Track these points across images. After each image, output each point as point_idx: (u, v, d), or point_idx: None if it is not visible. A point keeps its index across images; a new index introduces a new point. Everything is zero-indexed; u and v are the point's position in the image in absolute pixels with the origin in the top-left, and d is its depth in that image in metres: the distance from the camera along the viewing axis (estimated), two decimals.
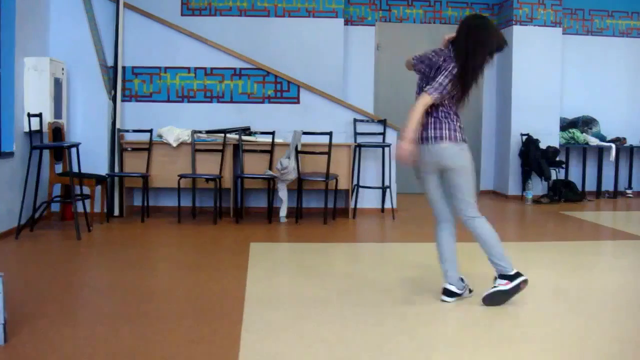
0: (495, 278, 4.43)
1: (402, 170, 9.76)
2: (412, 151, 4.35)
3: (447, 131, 4.38)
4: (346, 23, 10.67)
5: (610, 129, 11.49)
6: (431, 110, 4.43)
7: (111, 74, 8.38)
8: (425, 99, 4.34)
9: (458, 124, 4.43)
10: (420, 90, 4.50)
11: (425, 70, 4.53)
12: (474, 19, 4.56)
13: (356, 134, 8.85)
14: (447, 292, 4.53)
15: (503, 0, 11.07)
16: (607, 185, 11.49)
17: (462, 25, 4.48)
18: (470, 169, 4.43)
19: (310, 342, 3.74)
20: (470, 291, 4.64)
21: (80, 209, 7.08)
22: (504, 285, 4.38)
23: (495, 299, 4.41)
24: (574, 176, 11.32)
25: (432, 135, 4.40)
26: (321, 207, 8.31)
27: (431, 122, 4.44)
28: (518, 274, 4.40)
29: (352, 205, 8.64)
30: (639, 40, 11.73)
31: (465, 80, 4.36)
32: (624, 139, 11.45)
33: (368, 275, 5.49)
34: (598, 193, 11.35)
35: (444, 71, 4.34)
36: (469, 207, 4.41)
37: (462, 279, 4.59)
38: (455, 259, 4.55)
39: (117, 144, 8.24)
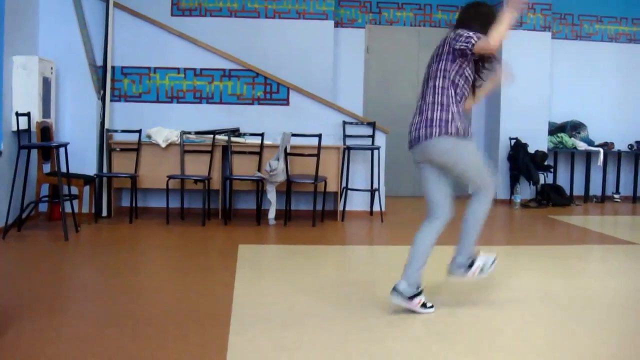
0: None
1: (391, 173, 9.78)
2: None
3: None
4: (336, 25, 10.69)
5: (598, 133, 11.56)
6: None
7: (100, 73, 8.35)
8: (485, 40, 4.07)
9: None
10: (428, 78, 4.34)
11: (436, 50, 4.38)
12: (479, 6, 4.46)
13: (345, 136, 8.85)
14: (395, 290, 4.30)
15: (493, 3, 11.08)
16: (595, 189, 11.54)
17: (467, 8, 4.43)
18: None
19: (299, 345, 3.73)
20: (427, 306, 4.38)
21: (68, 209, 7.05)
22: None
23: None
24: (562, 180, 11.37)
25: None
26: (310, 209, 8.30)
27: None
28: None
29: (340, 208, 8.64)
30: (627, 45, 11.80)
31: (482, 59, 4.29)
32: (612, 143, 11.51)
33: (357, 279, 5.48)
34: (586, 197, 11.40)
35: (461, 31, 4.20)
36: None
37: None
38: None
39: (106, 144, 8.22)
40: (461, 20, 4.40)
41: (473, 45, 4.10)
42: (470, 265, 4.43)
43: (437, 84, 4.27)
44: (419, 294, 4.31)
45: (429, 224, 4.37)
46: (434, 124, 4.19)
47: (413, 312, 4.30)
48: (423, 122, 4.25)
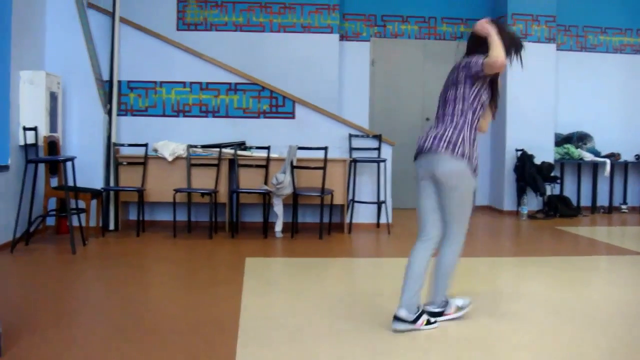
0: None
1: (397, 186, 9.78)
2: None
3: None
4: (341, 38, 10.72)
5: (605, 144, 11.54)
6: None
7: (107, 88, 8.38)
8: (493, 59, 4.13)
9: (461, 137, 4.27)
10: (446, 101, 4.37)
11: (451, 76, 4.41)
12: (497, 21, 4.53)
13: (351, 149, 8.86)
14: (397, 319, 4.26)
15: (497, 16, 11.12)
16: (602, 200, 11.51)
17: (471, 36, 4.45)
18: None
19: (306, 357, 3.72)
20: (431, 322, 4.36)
21: (75, 223, 7.07)
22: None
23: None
24: (569, 191, 11.35)
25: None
26: (317, 221, 8.30)
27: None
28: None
29: (347, 220, 8.64)
30: (632, 56, 11.80)
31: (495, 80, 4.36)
32: (619, 154, 11.49)
33: (364, 291, 5.48)
34: (593, 208, 11.38)
35: (473, 57, 4.27)
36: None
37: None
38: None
39: (113, 158, 8.24)
40: (468, 50, 4.46)
41: (482, 64, 4.15)
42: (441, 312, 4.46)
43: (455, 108, 4.30)
44: (421, 314, 4.29)
45: (421, 246, 4.35)
46: (451, 142, 4.20)
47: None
48: (439, 136, 4.26)
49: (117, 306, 4.89)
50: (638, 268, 6.72)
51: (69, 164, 7.10)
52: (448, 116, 4.30)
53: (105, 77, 8.42)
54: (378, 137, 8.93)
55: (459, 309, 4.50)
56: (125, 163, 8.29)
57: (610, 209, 11.44)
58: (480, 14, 11.22)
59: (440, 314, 4.42)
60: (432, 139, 4.27)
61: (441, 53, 11.09)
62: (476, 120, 4.29)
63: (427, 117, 11.25)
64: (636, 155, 11.62)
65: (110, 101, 8.35)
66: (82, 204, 7.48)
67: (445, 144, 4.19)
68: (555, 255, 7.45)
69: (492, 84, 4.37)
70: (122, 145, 8.36)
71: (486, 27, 4.22)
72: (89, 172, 7.95)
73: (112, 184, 8.22)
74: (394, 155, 9.13)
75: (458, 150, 4.17)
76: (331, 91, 10.24)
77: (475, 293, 4.76)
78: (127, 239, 7.77)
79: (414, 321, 4.24)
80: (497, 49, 4.08)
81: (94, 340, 3.99)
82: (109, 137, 8.27)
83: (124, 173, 8.29)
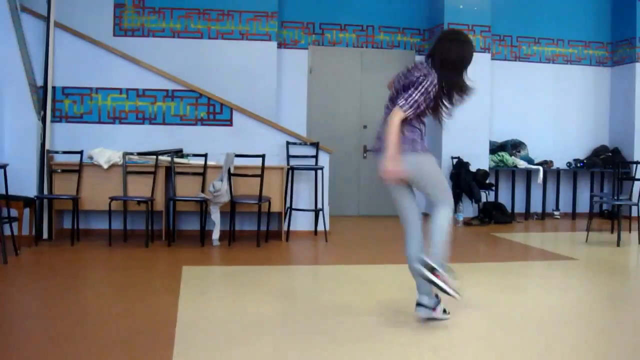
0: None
1: (335, 193, 9.83)
2: (399, 169, 4.35)
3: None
4: (279, 46, 10.74)
5: (538, 152, 11.80)
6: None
7: (41, 94, 8.23)
8: (399, 115, 4.36)
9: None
10: (393, 105, 4.50)
11: (397, 85, 4.58)
12: (453, 34, 4.68)
13: (289, 156, 8.87)
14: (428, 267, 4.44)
15: (434, 26, 11.28)
16: (536, 207, 11.75)
17: (441, 41, 4.58)
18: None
19: None
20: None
21: (7, 232, 6.91)
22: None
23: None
24: (504, 198, 11.55)
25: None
26: (254, 229, 8.28)
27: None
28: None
29: (285, 228, 8.64)
30: (564, 66, 12.11)
31: (449, 94, 4.55)
32: (551, 162, 11.75)
33: (302, 299, 5.50)
34: (527, 214, 11.60)
35: (419, 87, 4.40)
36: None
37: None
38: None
39: (47, 166, 8.09)
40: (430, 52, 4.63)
41: (397, 107, 4.38)
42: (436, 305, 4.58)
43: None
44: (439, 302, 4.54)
45: (411, 241, 4.60)
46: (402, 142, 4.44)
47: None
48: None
49: (51, 316, 4.81)
50: (570, 272, 6.87)
51: (0, 171, 6.95)
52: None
53: (40, 82, 8.27)
54: (315, 145, 8.96)
55: (445, 312, 4.60)
56: (59, 170, 8.15)
57: (544, 215, 11.68)
58: (417, 24, 11.42)
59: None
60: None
61: (378, 61, 11.20)
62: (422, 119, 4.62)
63: (364, 125, 11.33)
64: (568, 163, 11.90)
65: (44, 107, 8.20)
66: (14, 213, 7.32)
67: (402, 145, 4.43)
68: (490, 260, 7.57)
69: (438, 99, 4.55)
70: (57, 152, 8.21)
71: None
72: (22, 180, 7.78)
73: (45, 192, 8.08)
74: (332, 162, 9.18)
75: (413, 148, 4.52)
76: (269, 99, 10.24)
77: (411, 300, 4.80)
78: (62, 248, 7.64)
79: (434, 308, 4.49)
80: (390, 134, 4.33)
81: (27, 350, 3.92)
82: (42, 144, 8.13)
83: (58, 181, 8.15)
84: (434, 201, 4.59)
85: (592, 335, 4.62)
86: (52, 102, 8.38)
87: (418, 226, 4.60)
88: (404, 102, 4.37)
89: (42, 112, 8.17)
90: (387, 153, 4.32)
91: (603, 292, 6.06)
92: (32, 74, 8.16)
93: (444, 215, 4.56)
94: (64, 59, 8.43)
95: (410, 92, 4.39)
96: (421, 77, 4.41)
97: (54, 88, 8.40)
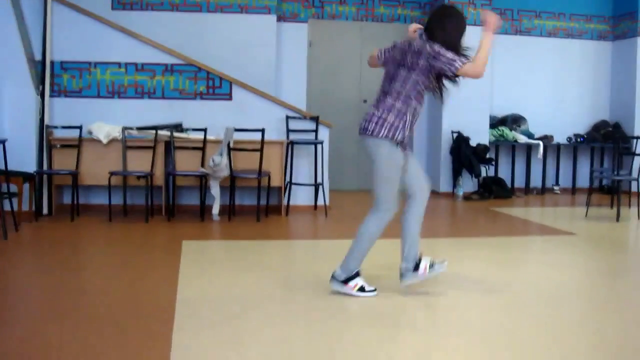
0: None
1: (334, 168, 9.82)
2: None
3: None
4: (279, 20, 10.66)
5: (538, 126, 11.77)
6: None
7: (39, 68, 8.19)
8: (467, 65, 4.29)
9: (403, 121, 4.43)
10: (392, 80, 4.45)
11: (398, 56, 4.46)
12: (448, 9, 4.64)
13: (289, 131, 8.85)
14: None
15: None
16: (536, 181, 11.74)
17: (437, 14, 4.53)
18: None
19: (243, 341, 3.72)
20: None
21: (7, 207, 6.90)
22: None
23: None
24: (504, 173, 11.55)
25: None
26: (254, 204, 8.28)
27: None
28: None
29: (284, 203, 8.64)
30: (565, 40, 12.05)
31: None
32: (551, 136, 11.73)
33: (302, 273, 5.50)
34: (527, 189, 11.60)
35: (442, 50, 4.31)
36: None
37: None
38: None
39: (46, 141, 8.07)
40: (428, 28, 4.49)
41: (457, 69, 4.26)
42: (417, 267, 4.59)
43: (402, 90, 4.41)
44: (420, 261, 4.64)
45: (410, 209, 4.83)
46: (384, 125, 4.38)
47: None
48: (376, 117, 4.44)
49: (51, 291, 4.82)
50: (569, 247, 6.88)
51: None
52: (391, 98, 4.43)
53: (38, 57, 8.22)
54: (315, 119, 8.93)
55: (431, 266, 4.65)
56: (58, 146, 8.13)
57: (543, 190, 11.68)
58: None
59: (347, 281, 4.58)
60: (367, 122, 4.51)
61: (378, 35, 11.14)
62: (418, 106, 4.46)
63: (364, 99, 11.30)
64: (568, 138, 11.88)
65: (42, 82, 8.16)
66: (13, 188, 7.31)
67: (380, 128, 4.43)
68: (489, 235, 7.58)
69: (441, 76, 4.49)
70: (56, 127, 8.19)
71: (493, 28, 4.32)
72: (21, 155, 7.76)
73: (45, 167, 8.06)
74: (331, 137, 9.16)
75: (392, 135, 4.43)
76: (268, 73, 10.18)
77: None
78: (62, 224, 7.64)
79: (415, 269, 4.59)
80: (484, 61, 4.22)
81: (27, 324, 3.93)
82: (41, 119, 8.10)
83: (57, 156, 8.13)
84: (374, 200, 4.62)
85: (590, 309, 4.63)
86: (51, 77, 8.34)
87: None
88: (456, 59, 4.27)
89: (40, 87, 8.14)
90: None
91: (601, 267, 6.08)
92: (30, 49, 8.12)
93: (370, 222, 4.57)
94: (62, 33, 8.38)
95: (442, 53, 4.29)
96: (436, 47, 4.32)
97: (52, 62, 8.35)
